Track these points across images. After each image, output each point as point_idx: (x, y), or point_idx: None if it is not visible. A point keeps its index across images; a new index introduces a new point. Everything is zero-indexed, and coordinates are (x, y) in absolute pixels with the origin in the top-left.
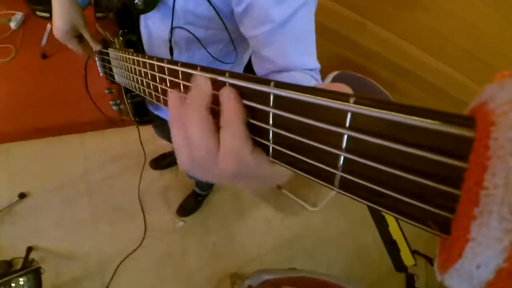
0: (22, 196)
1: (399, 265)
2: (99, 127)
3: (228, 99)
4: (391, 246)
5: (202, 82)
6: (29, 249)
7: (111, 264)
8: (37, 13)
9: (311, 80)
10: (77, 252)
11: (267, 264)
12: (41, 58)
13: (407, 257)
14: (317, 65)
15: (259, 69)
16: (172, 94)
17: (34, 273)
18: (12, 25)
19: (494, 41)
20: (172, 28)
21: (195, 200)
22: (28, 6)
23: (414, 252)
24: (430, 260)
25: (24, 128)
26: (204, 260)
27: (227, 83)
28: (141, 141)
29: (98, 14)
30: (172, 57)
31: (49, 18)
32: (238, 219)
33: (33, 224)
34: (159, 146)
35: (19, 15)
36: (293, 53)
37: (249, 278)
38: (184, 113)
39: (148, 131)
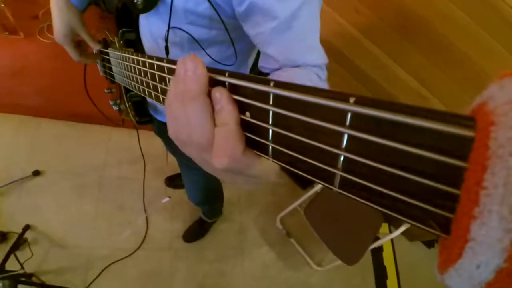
0: (36, 173)
1: None
2: (129, 126)
3: (222, 99)
4: None
5: (202, 70)
6: (26, 227)
7: (99, 264)
8: None
9: (313, 77)
10: (70, 242)
11: None
12: None
13: None
14: (322, 60)
15: (263, 67)
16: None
17: (11, 280)
18: None
19: None
20: (169, 28)
21: (201, 226)
22: None
23: None
24: None
25: (59, 109)
26: None
27: (226, 82)
28: (140, 147)
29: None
30: (167, 57)
31: None
32: (236, 256)
33: (38, 203)
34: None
35: None
36: (297, 50)
37: None
38: (186, 98)
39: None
